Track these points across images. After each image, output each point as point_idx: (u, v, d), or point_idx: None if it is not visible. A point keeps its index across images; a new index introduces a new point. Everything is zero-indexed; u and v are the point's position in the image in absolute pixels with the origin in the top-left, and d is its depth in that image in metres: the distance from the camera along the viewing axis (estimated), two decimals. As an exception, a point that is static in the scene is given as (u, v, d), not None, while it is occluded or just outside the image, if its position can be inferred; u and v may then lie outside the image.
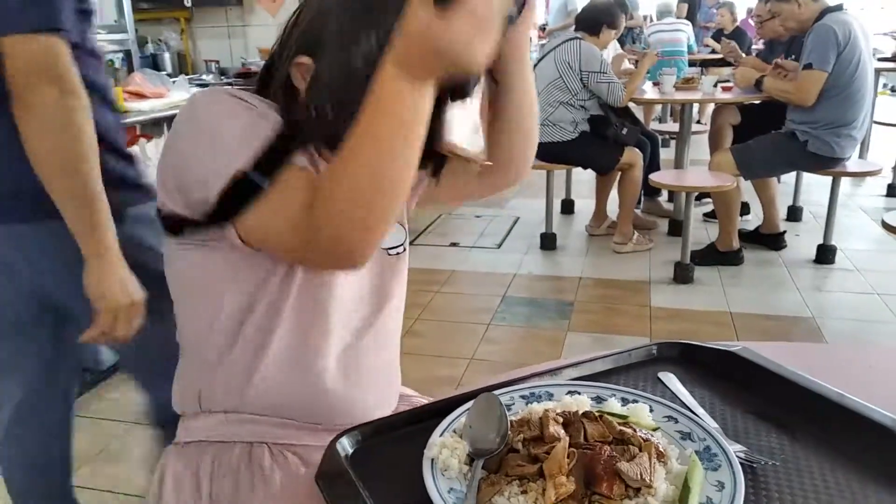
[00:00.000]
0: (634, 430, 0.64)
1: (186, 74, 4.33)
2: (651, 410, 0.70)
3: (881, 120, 5.00)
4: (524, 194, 4.72)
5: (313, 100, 0.74)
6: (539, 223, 3.97)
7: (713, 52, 6.51)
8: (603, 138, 3.68)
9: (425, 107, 0.64)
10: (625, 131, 3.68)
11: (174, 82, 3.34)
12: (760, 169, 3.50)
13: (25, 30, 0.98)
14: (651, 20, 7.66)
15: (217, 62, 4.83)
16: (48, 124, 1.01)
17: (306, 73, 0.74)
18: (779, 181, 3.91)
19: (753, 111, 3.92)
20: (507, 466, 0.61)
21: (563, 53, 3.61)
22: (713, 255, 3.53)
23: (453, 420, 0.69)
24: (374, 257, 0.88)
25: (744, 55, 4.35)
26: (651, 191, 4.31)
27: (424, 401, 0.97)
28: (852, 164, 3.48)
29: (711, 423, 0.71)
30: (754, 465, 0.64)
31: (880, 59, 5.74)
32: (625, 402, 0.72)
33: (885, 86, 9.27)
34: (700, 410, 0.74)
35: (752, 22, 5.28)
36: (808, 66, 3.20)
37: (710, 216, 4.10)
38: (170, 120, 2.73)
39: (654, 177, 3.50)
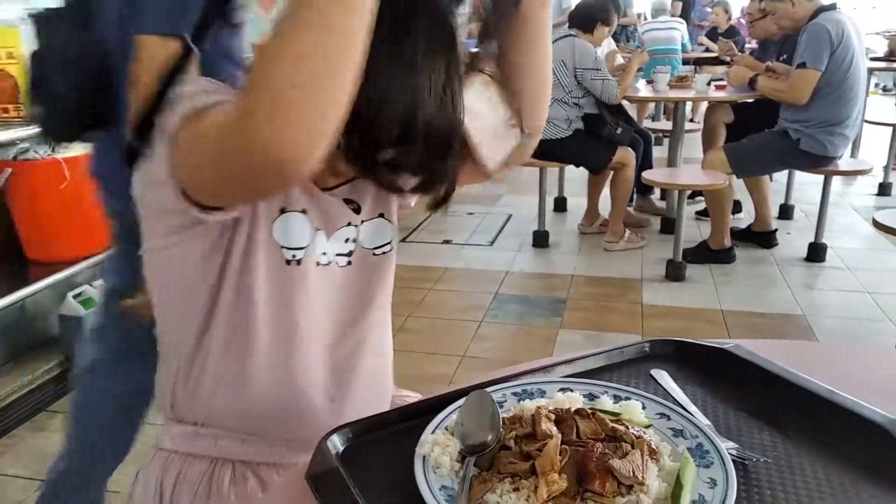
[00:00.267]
0: (627, 428, 0.63)
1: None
2: (643, 408, 0.70)
3: (873, 119, 5.01)
4: (517, 192, 4.72)
5: None
6: (532, 221, 3.98)
7: (707, 50, 6.54)
8: (597, 137, 3.68)
9: None
10: (619, 131, 3.68)
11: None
12: (753, 167, 3.51)
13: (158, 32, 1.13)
14: (645, 18, 7.67)
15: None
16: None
17: None
18: (771, 179, 3.93)
19: (746, 110, 3.93)
20: (499, 464, 0.61)
21: (557, 50, 3.61)
22: (705, 253, 3.54)
23: (445, 417, 0.68)
24: (358, 258, 0.86)
25: (739, 54, 4.36)
26: (644, 188, 4.32)
27: (416, 399, 0.96)
28: (844, 162, 3.49)
29: (704, 421, 0.71)
30: (746, 463, 0.64)
31: (872, 59, 5.77)
32: (617, 399, 0.72)
33: (876, 85, 9.32)
34: (692, 408, 0.74)
35: (743, 21, 5.29)
36: (802, 65, 3.21)
37: (702, 214, 4.11)
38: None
39: (647, 175, 3.51)
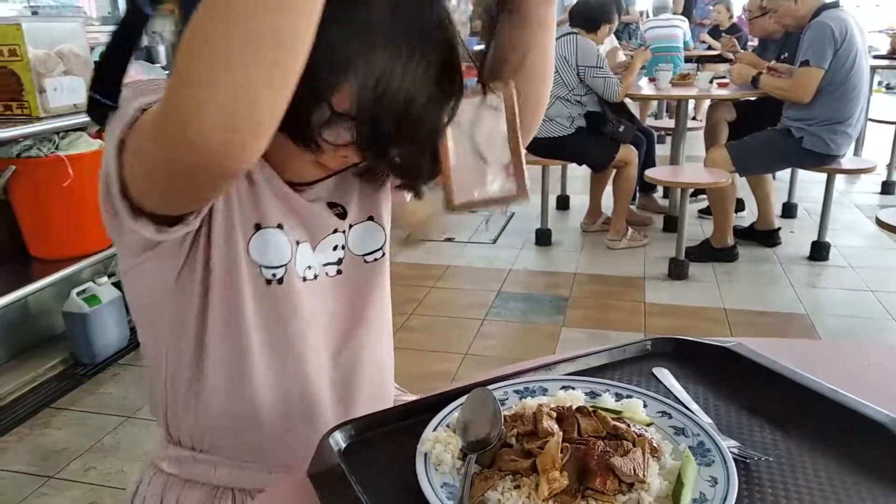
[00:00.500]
0: (628, 426, 0.63)
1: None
2: (645, 406, 0.70)
3: (876, 117, 5.00)
4: (520, 190, 4.71)
5: None
6: (534, 219, 3.97)
7: (709, 48, 6.52)
8: (599, 135, 3.67)
9: None
10: (621, 128, 3.68)
11: (168, 74, 3.32)
12: (756, 165, 3.51)
13: None
14: (647, 16, 7.65)
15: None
16: None
17: None
18: (774, 178, 3.92)
19: (749, 108, 3.92)
20: (500, 461, 0.61)
21: (559, 48, 3.60)
22: (708, 252, 3.54)
23: (447, 415, 0.68)
24: (349, 266, 0.83)
25: (742, 51, 4.35)
26: (646, 187, 4.31)
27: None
28: (847, 161, 3.48)
29: (705, 419, 0.71)
30: (748, 461, 0.64)
31: (876, 57, 5.76)
32: (619, 397, 0.72)
33: (879, 83, 9.29)
34: (694, 406, 0.74)
35: (745, 18, 5.28)
36: (805, 63, 3.20)
37: (705, 212, 4.11)
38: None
39: (650, 173, 3.50)
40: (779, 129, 3.41)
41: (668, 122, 5.36)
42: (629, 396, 0.72)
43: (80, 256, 2.23)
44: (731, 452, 0.62)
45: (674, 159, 4.08)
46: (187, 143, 0.50)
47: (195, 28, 0.47)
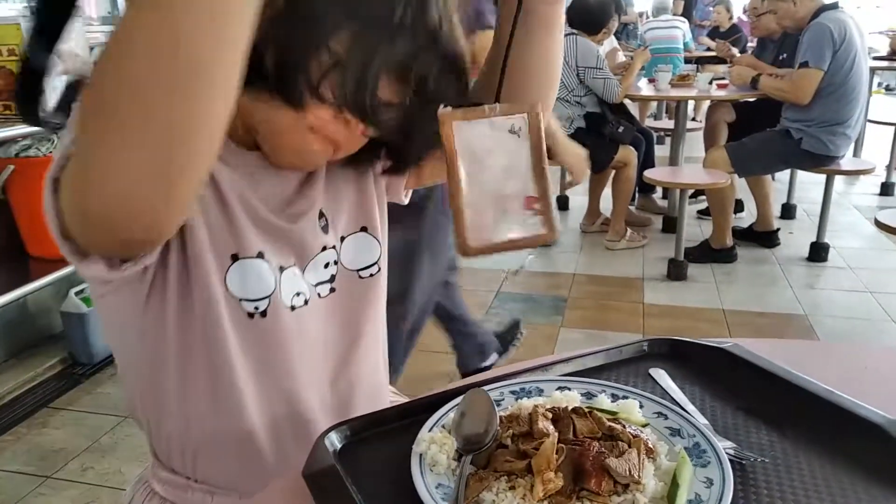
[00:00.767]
0: (624, 427, 0.63)
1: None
2: (641, 407, 0.70)
3: (875, 119, 5.00)
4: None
5: None
6: (533, 219, 3.97)
7: (709, 49, 6.52)
8: (599, 136, 3.67)
9: None
10: (621, 129, 3.68)
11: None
12: (755, 166, 3.51)
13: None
14: (647, 17, 7.66)
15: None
16: None
17: None
18: (773, 179, 3.92)
19: (748, 109, 3.92)
20: (495, 462, 0.61)
21: (558, 49, 3.60)
22: (707, 253, 3.54)
23: (442, 415, 0.68)
24: (343, 282, 0.79)
25: (738, 54, 4.35)
26: (645, 187, 4.31)
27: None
28: (846, 162, 3.49)
29: (701, 420, 0.71)
30: (744, 462, 0.64)
31: (875, 58, 5.76)
32: (615, 398, 0.72)
33: (879, 84, 9.30)
34: (690, 407, 0.73)
35: (745, 18, 5.28)
36: (805, 65, 3.20)
37: (704, 213, 4.11)
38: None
39: (649, 173, 3.50)
40: (778, 130, 3.41)
41: (667, 123, 5.35)
42: (625, 397, 0.72)
43: (78, 256, 2.22)
44: (727, 453, 0.62)
45: (673, 160, 4.08)
46: (89, 213, 0.46)
47: (90, 89, 0.43)
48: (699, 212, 4.23)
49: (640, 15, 8.03)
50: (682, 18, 6.53)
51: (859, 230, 4.11)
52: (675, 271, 3.34)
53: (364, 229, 0.81)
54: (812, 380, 0.74)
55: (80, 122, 0.44)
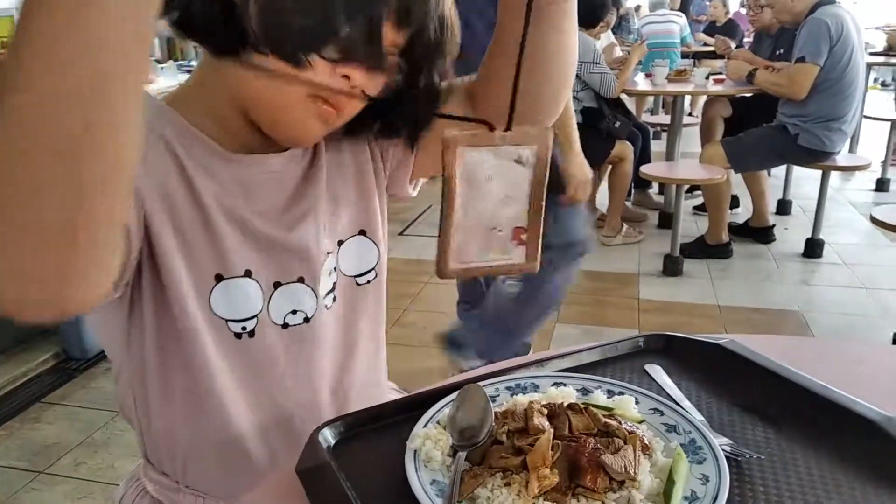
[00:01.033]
0: (619, 423, 0.63)
1: (175, 60, 4.29)
2: (637, 403, 0.69)
3: (871, 115, 5.01)
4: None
5: None
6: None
7: (706, 45, 6.52)
8: (595, 130, 3.67)
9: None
10: (617, 124, 3.67)
11: (162, 69, 3.31)
12: (751, 162, 3.51)
13: None
14: (642, 10, 7.65)
15: (206, 48, 4.76)
16: None
17: None
18: (769, 174, 3.92)
19: (745, 104, 3.92)
20: (490, 458, 0.61)
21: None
22: (702, 248, 3.54)
23: (437, 411, 0.68)
24: (343, 291, 0.76)
25: (734, 49, 4.35)
26: (641, 183, 4.31)
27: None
28: (842, 158, 3.49)
29: (697, 416, 0.70)
30: (739, 459, 0.63)
31: (872, 54, 5.77)
32: (610, 394, 0.71)
33: (875, 80, 9.31)
34: (686, 403, 0.73)
35: (743, 12, 5.27)
36: (801, 60, 3.20)
37: (700, 209, 4.11)
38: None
39: (645, 169, 3.50)
40: (774, 125, 3.41)
41: (663, 118, 5.35)
42: (621, 393, 0.71)
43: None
44: (722, 450, 0.62)
45: (669, 155, 4.08)
46: None
47: (23, 118, 0.35)
48: (695, 207, 4.23)
49: (637, 8, 8.02)
50: (679, 13, 6.52)
51: (855, 226, 4.11)
52: (671, 267, 3.34)
53: (363, 232, 0.78)
54: (807, 376, 0.74)
55: None
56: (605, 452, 0.58)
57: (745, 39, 5.89)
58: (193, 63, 4.15)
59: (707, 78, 3.96)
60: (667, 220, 3.85)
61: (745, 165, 3.51)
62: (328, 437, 0.67)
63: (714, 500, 0.55)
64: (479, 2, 1.35)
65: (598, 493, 0.56)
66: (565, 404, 0.65)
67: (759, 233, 3.78)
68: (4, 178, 0.35)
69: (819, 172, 3.49)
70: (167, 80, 3.06)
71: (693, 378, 0.79)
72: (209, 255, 0.67)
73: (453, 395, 0.68)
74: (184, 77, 2.75)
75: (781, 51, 3.67)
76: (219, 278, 0.67)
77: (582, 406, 0.65)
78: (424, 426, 0.65)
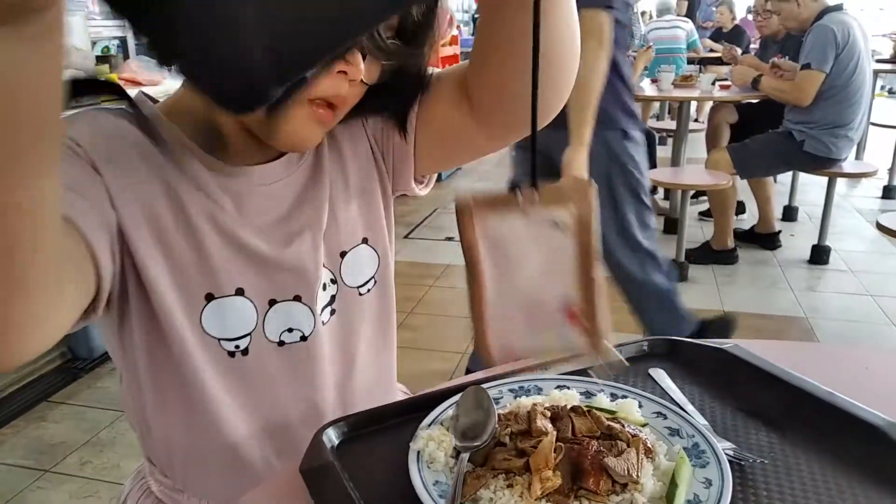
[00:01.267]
0: (623, 426, 0.63)
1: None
2: (640, 406, 0.69)
3: (878, 121, 5.00)
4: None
5: None
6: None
7: (712, 50, 6.51)
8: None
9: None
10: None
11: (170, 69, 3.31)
12: (757, 168, 3.50)
13: (595, 6, 1.69)
14: (650, 17, 7.64)
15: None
16: (585, 60, 1.59)
17: None
18: (775, 181, 3.91)
19: (751, 110, 3.91)
20: (493, 460, 0.61)
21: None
22: (708, 254, 3.53)
23: (441, 412, 0.68)
24: (343, 303, 0.74)
25: (741, 57, 4.34)
26: (647, 188, 4.30)
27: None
28: (848, 164, 3.48)
29: (701, 420, 0.70)
30: (743, 463, 0.64)
31: (878, 61, 5.75)
32: (614, 397, 0.72)
33: (882, 87, 9.28)
34: (690, 407, 0.73)
35: (750, 18, 5.26)
36: (807, 66, 3.20)
37: (705, 215, 4.10)
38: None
39: (651, 174, 3.48)
40: (780, 131, 3.40)
41: (669, 124, 5.34)
42: (624, 397, 0.71)
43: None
44: (726, 454, 0.62)
45: (675, 161, 4.07)
46: None
47: None
48: (700, 213, 4.22)
49: (643, 14, 8.01)
50: (686, 19, 6.52)
51: (861, 233, 4.10)
52: (676, 272, 3.34)
53: (365, 241, 0.76)
54: (812, 381, 0.74)
55: None
56: (608, 455, 0.58)
57: (752, 46, 5.89)
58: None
59: (713, 84, 3.96)
60: (672, 226, 3.84)
61: (751, 171, 3.50)
62: (332, 436, 0.67)
63: (716, 504, 0.55)
64: None
65: (601, 495, 0.56)
66: (568, 407, 0.66)
67: (764, 239, 3.77)
68: None
69: (825, 179, 3.48)
70: (173, 81, 3.07)
71: (697, 382, 0.79)
72: (199, 275, 0.66)
73: (457, 397, 0.68)
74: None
75: (786, 57, 3.67)
76: (209, 297, 0.66)
77: (585, 409, 0.65)
78: (428, 427, 0.66)
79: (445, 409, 0.68)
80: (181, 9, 0.25)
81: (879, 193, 4.88)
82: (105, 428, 2.14)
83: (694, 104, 5.71)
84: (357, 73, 0.61)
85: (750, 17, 5.50)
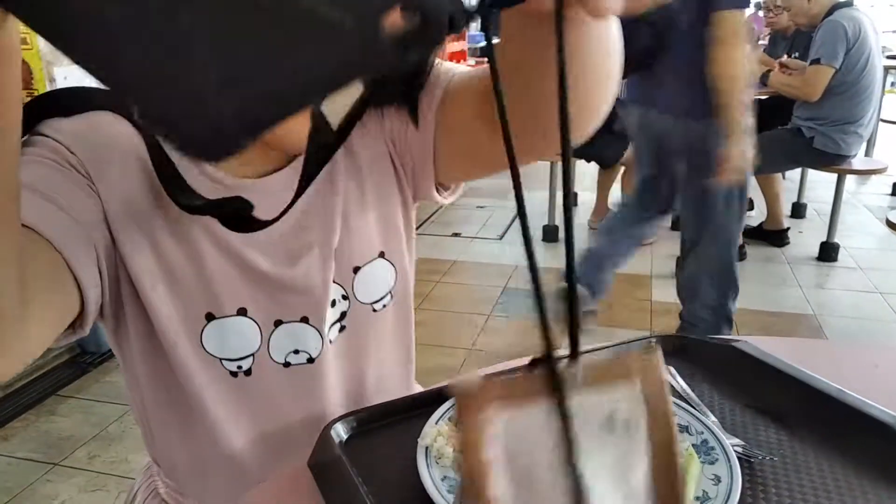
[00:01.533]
0: (631, 422, 0.63)
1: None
2: (649, 403, 0.69)
3: (888, 118, 4.96)
4: (527, 186, 4.64)
5: None
6: (541, 215, 3.96)
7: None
8: (608, 131, 3.65)
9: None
10: (630, 125, 3.66)
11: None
12: (765, 164, 3.48)
13: (736, 7, 2.04)
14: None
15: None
16: (735, 58, 2.19)
17: None
18: (783, 177, 3.89)
19: (760, 106, 3.89)
20: (501, 456, 0.61)
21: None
22: (716, 251, 3.52)
23: (449, 407, 0.68)
24: (355, 320, 0.71)
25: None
26: (655, 185, 4.29)
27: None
28: (858, 161, 3.46)
29: (710, 417, 0.70)
30: (752, 460, 0.63)
31: (889, 57, 5.70)
32: (622, 393, 0.71)
33: (892, 84, 9.21)
34: (699, 404, 0.73)
35: (760, 14, 5.23)
36: (816, 61, 3.18)
37: (713, 211, 4.08)
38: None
39: (659, 170, 3.48)
40: (789, 128, 3.38)
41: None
42: (633, 393, 0.71)
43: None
44: (735, 451, 0.62)
45: (683, 157, 4.05)
46: None
47: None
48: (708, 210, 4.20)
49: (652, 11, 7.97)
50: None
51: (870, 230, 4.08)
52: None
53: (382, 255, 0.72)
54: (821, 378, 0.74)
55: None
56: (617, 451, 0.58)
57: (760, 42, 5.85)
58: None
59: (722, 80, 3.93)
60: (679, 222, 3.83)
61: (760, 168, 3.49)
62: (340, 431, 0.67)
63: (726, 501, 0.55)
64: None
65: (609, 491, 0.56)
66: (577, 403, 0.65)
67: (773, 236, 3.75)
68: None
69: (834, 176, 3.46)
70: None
71: (706, 379, 0.79)
72: (199, 294, 0.63)
73: (465, 393, 0.68)
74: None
75: (797, 54, 3.65)
76: (210, 317, 0.64)
77: (594, 405, 0.65)
78: (436, 423, 0.66)
79: (453, 405, 0.68)
80: (141, 78, 0.23)
81: (889, 190, 4.84)
82: (114, 422, 2.15)
83: (702, 100, 5.68)
84: None
85: (760, 13, 5.46)
